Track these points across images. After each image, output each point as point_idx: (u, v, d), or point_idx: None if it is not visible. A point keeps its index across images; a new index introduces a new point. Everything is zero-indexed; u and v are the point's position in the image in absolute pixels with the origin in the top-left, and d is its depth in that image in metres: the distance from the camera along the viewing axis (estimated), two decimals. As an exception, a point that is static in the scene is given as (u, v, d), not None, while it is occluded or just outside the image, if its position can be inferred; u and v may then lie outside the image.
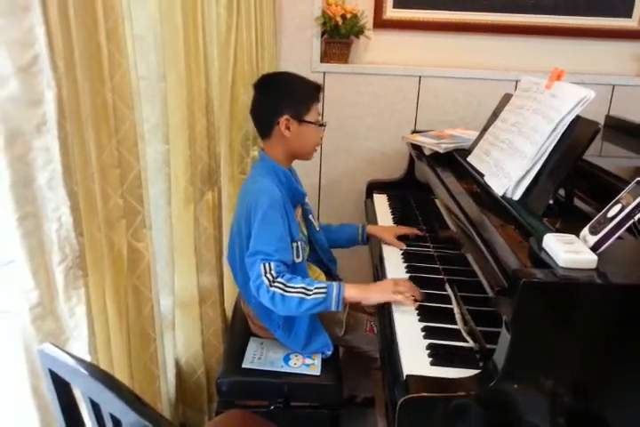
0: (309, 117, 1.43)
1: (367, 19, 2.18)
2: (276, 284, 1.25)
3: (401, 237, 1.63)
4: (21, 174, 0.86)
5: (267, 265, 1.27)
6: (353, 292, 1.27)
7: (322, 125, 1.47)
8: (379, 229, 1.69)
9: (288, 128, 1.41)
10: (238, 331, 1.55)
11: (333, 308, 1.25)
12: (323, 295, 1.24)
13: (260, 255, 1.28)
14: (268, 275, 1.26)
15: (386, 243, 1.62)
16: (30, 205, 0.88)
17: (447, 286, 1.32)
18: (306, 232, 1.56)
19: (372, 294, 1.27)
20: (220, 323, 1.71)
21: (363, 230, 1.69)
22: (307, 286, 1.25)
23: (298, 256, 1.39)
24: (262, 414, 1.29)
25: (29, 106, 0.84)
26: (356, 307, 1.63)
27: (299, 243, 1.39)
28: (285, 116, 1.40)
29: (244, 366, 1.38)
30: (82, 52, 0.92)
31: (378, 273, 1.51)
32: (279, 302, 1.24)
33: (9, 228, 0.87)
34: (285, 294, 1.24)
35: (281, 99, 1.43)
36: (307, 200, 1.59)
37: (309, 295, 1.24)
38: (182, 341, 1.62)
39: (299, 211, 1.52)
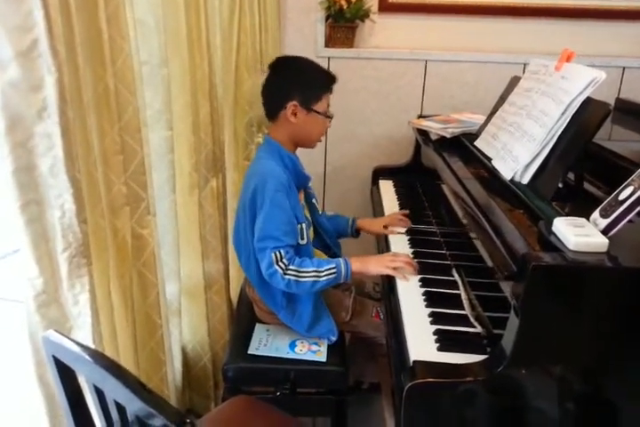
0: (318, 107, 1.42)
1: (372, 2, 2.14)
2: (289, 271, 1.29)
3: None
4: (23, 161, 0.86)
5: (277, 254, 1.29)
6: (357, 265, 1.33)
7: (329, 117, 1.46)
8: (367, 222, 1.70)
9: (295, 114, 1.40)
10: (244, 317, 1.55)
11: (343, 281, 1.34)
12: (334, 275, 1.31)
13: (270, 242, 1.30)
14: (281, 263, 1.29)
15: (376, 234, 1.65)
16: (33, 192, 0.88)
17: (454, 272, 1.31)
18: (309, 216, 1.55)
19: (370, 267, 1.33)
20: (225, 309, 1.71)
21: (353, 223, 1.70)
22: (317, 268, 1.31)
23: (302, 238, 1.39)
24: (268, 400, 1.30)
25: (30, 91, 0.83)
26: (362, 293, 1.63)
27: (303, 225, 1.40)
28: (294, 102, 1.39)
29: (249, 352, 1.38)
30: (83, 36, 0.91)
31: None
32: (294, 286, 1.30)
33: (13, 215, 0.86)
34: (300, 279, 1.29)
35: (293, 83, 1.41)
36: (309, 184, 1.58)
37: (322, 277, 1.30)
38: (188, 327, 1.63)
39: (301, 195, 1.51)
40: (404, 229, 1.58)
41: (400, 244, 1.51)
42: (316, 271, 1.30)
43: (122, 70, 1.01)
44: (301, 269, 1.30)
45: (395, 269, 1.30)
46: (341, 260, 1.33)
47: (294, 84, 1.41)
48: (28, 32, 0.80)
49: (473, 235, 1.22)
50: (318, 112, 1.42)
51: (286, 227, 1.32)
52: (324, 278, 1.30)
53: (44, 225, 0.90)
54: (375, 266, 1.33)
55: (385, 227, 1.61)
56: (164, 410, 0.63)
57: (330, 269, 1.31)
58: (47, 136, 0.86)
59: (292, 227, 1.34)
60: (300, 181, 1.46)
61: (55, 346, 0.74)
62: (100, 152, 1.00)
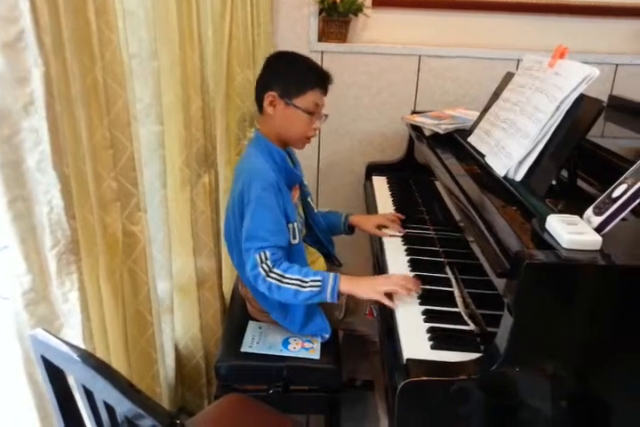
0: (300, 102, 1.36)
1: (366, -4, 2.13)
2: (272, 274, 1.25)
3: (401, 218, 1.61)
4: (10, 156, 0.84)
5: (262, 254, 1.25)
6: (346, 285, 1.25)
7: (310, 114, 1.38)
8: (360, 219, 1.66)
9: (274, 106, 1.37)
10: (237, 315, 1.54)
11: (329, 300, 1.25)
12: (318, 288, 1.24)
13: (256, 242, 1.27)
14: (264, 265, 1.25)
15: (369, 233, 1.62)
16: (20, 187, 0.86)
17: (448, 269, 1.30)
18: (303, 214, 1.54)
19: (362, 290, 1.24)
20: (218, 306, 1.70)
21: (346, 220, 1.67)
22: (303, 277, 1.25)
23: (294, 238, 1.37)
24: (261, 398, 1.29)
25: (16, 84, 0.81)
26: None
27: (295, 224, 1.37)
28: (271, 93, 1.36)
29: (242, 350, 1.37)
30: (70, 28, 0.89)
31: (377, 256, 1.49)
32: (275, 291, 1.25)
33: (0, 211, 0.85)
34: (281, 285, 1.24)
35: (275, 74, 1.39)
36: (305, 182, 1.56)
37: (305, 288, 1.24)
38: (181, 324, 1.62)
39: (296, 193, 1.49)
40: (397, 233, 1.54)
41: (393, 241, 1.50)
42: (299, 280, 1.24)
43: (111, 63, 0.99)
44: (285, 275, 1.25)
45: (386, 297, 1.19)
46: (331, 275, 1.26)
47: (277, 74, 1.39)
48: (14, 23, 0.78)
49: (466, 232, 1.22)
50: (297, 106, 1.36)
51: (273, 226, 1.29)
52: (307, 289, 1.24)
53: (32, 221, 0.89)
54: (365, 290, 1.23)
55: (378, 228, 1.58)
56: (154, 411, 0.62)
57: (315, 280, 1.24)
58: (34, 131, 0.84)
59: (279, 226, 1.30)
60: (290, 178, 1.43)
61: (43, 345, 0.73)
62: (89, 147, 0.98)
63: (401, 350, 1.00)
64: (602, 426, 0.93)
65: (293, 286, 1.24)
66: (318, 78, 1.40)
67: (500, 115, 1.40)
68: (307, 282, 1.24)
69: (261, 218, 1.28)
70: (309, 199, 1.57)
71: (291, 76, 1.38)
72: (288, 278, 1.24)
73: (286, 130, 1.41)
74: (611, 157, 1.22)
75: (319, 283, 1.24)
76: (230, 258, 1.49)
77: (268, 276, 1.25)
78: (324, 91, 1.42)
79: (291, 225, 1.36)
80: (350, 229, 1.68)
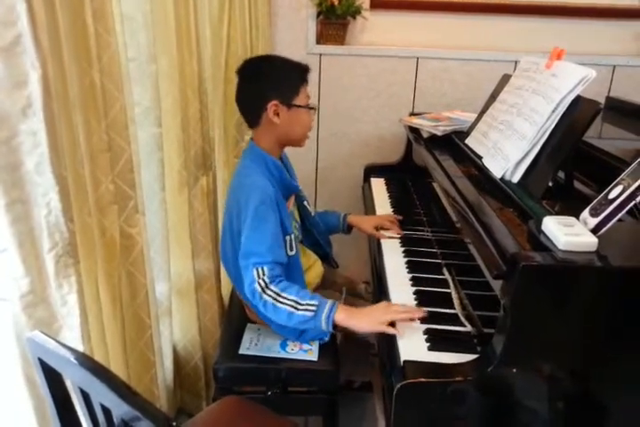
0: (299, 101, 1.36)
1: (364, -2, 2.13)
2: (268, 291, 1.22)
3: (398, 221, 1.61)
4: (8, 159, 0.84)
5: (260, 270, 1.23)
6: (344, 318, 1.18)
7: (312, 108, 1.40)
8: (359, 219, 1.65)
9: (277, 114, 1.34)
10: (235, 317, 1.54)
11: (324, 328, 1.19)
12: (311, 313, 1.19)
13: (253, 258, 1.24)
14: (261, 281, 1.22)
15: (367, 234, 1.61)
16: (18, 190, 0.87)
17: (445, 271, 1.30)
18: (298, 220, 1.53)
19: (360, 323, 1.18)
20: (216, 309, 1.70)
21: (344, 220, 1.66)
22: (299, 299, 1.20)
23: (292, 249, 1.35)
24: (259, 400, 1.29)
25: (13, 87, 0.82)
26: (353, 293, 1.63)
27: (292, 236, 1.35)
28: (274, 102, 1.33)
29: (240, 352, 1.37)
30: (68, 31, 0.89)
31: (375, 258, 1.50)
32: (271, 310, 1.22)
33: (-1, 214, 0.85)
34: (277, 304, 1.21)
35: (267, 84, 1.36)
36: (300, 187, 1.56)
37: (298, 310, 1.20)
38: (179, 327, 1.62)
39: (291, 200, 1.48)
40: (394, 235, 1.53)
41: (391, 243, 1.50)
42: (295, 302, 1.20)
43: (109, 66, 0.99)
44: (282, 294, 1.21)
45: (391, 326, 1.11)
46: (329, 302, 1.21)
47: (269, 83, 1.35)
48: (11, 27, 0.79)
49: (463, 233, 1.22)
50: (300, 106, 1.36)
51: (271, 241, 1.25)
52: (300, 312, 1.19)
53: (30, 224, 0.89)
54: (366, 322, 1.15)
55: (376, 229, 1.58)
56: (151, 414, 0.62)
57: (310, 304, 1.19)
58: (32, 134, 0.85)
59: (277, 241, 1.28)
60: (287, 188, 1.41)
61: (40, 348, 0.73)
62: (87, 150, 0.98)
63: (398, 351, 1.00)
64: (599, 427, 0.93)
65: (289, 307, 1.20)
66: (302, 73, 1.39)
67: (497, 117, 1.41)
68: (302, 304, 1.20)
69: (259, 233, 1.25)
70: (306, 203, 1.56)
71: (281, 80, 1.36)
72: (284, 298, 1.21)
73: (292, 132, 1.39)
74: (607, 158, 1.23)
75: (314, 307, 1.19)
76: (227, 273, 1.47)
77: (265, 292, 1.22)
78: (307, 82, 1.41)
79: (288, 237, 1.34)
80: (349, 228, 1.68)
